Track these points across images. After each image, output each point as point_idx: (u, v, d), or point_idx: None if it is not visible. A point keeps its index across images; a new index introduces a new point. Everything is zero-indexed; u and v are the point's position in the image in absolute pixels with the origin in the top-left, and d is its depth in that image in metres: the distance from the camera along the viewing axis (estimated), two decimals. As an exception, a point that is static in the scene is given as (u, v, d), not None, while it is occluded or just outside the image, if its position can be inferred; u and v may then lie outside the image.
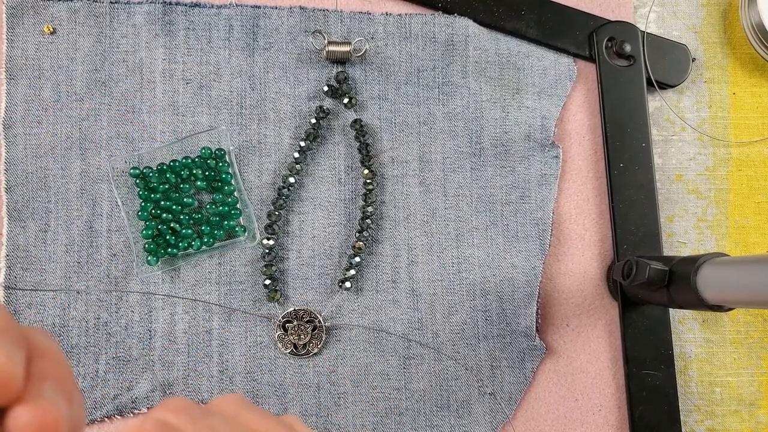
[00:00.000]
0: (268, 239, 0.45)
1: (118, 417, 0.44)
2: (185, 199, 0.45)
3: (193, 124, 0.46)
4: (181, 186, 0.45)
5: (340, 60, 0.47)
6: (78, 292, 0.45)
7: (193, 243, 0.44)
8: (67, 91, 0.46)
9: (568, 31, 0.48)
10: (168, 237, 0.44)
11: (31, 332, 0.19)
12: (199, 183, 0.45)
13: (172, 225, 0.45)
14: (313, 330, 0.45)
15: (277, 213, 0.46)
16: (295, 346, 0.45)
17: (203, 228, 0.45)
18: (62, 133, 0.46)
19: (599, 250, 0.48)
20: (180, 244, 0.44)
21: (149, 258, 0.44)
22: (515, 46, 0.49)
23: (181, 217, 0.45)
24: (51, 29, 0.46)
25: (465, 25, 0.48)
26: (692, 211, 0.49)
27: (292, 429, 0.23)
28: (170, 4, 0.47)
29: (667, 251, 0.48)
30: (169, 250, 0.44)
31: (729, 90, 0.50)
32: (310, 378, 0.45)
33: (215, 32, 0.47)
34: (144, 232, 0.44)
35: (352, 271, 0.45)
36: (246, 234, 0.46)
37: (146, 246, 0.44)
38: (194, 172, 0.45)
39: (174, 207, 0.45)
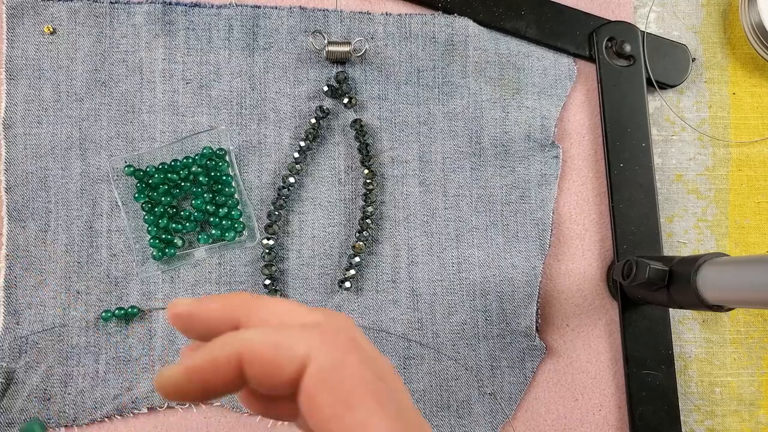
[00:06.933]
0: (268, 239, 0.45)
1: (118, 417, 0.44)
2: (194, 201, 0.45)
3: (193, 124, 0.46)
4: (182, 185, 0.45)
5: (340, 60, 0.47)
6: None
7: (199, 237, 0.45)
8: (67, 91, 0.46)
9: (568, 31, 0.48)
10: (172, 232, 0.45)
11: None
12: (200, 181, 0.45)
13: (173, 225, 0.45)
14: (313, 330, 0.45)
15: (277, 213, 0.46)
16: (295, 346, 0.45)
17: (202, 234, 0.45)
18: (62, 133, 0.46)
19: (599, 250, 0.48)
20: (183, 241, 0.45)
21: (155, 253, 0.44)
22: (515, 46, 0.49)
23: (182, 213, 0.45)
24: (51, 29, 0.46)
25: (465, 25, 0.48)
26: (692, 211, 0.49)
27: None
28: (170, 4, 0.47)
29: (667, 251, 0.48)
30: (175, 243, 0.45)
31: (729, 90, 0.50)
32: (310, 378, 0.45)
33: (215, 32, 0.47)
34: (150, 228, 0.44)
35: (352, 271, 0.45)
36: (246, 234, 0.46)
37: (152, 242, 0.44)
38: (194, 170, 0.45)
39: (176, 206, 0.45)
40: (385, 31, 0.48)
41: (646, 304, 0.45)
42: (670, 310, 0.46)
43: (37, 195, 0.45)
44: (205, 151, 0.45)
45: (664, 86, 0.49)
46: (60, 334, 0.44)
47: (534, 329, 0.46)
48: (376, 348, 0.22)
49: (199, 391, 0.20)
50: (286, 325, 0.20)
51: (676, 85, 0.49)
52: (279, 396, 0.20)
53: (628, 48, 0.47)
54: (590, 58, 0.49)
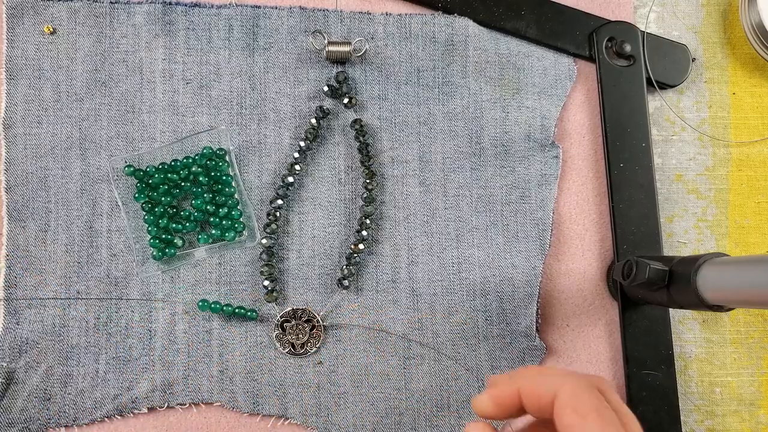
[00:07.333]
0: (268, 239, 0.45)
1: (118, 417, 0.44)
2: (194, 201, 0.45)
3: (193, 124, 0.46)
4: (182, 185, 0.45)
5: (340, 60, 0.47)
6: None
7: (199, 237, 0.45)
8: (67, 91, 0.46)
9: (568, 31, 0.48)
10: (172, 232, 0.45)
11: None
12: (200, 181, 0.45)
13: (173, 225, 0.45)
14: (311, 330, 0.45)
15: (277, 213, 0.46)
16: (293, 345, 0.45)
17: (202, 234, 0.45)
18: (62, 133, 0.46)
19: (599, 250, 0.48)
20: (183, 241, 0.45)
21: (155, 253, 0.44)
22: (515, 46, 0.49)
23: (182, 213, 0.45)
24: (51, 29, 0.46)
25: (465, 25, 0.48)
26: (692, 211, 0.49)
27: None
28: (170, 4, 0.47)
29: (667, 251, 0.48)
30: (175, 243, 0.45)
31: (729, 90, 0.50)
32: (310, 378, 0.45)
33: (215, 32, 0.47)
34: (150, 228, 0.44)
35: (352, 271, 0.45)
36: (246, 234, 0.46)
37: (152, 242, 0.44)
38: (194, 170, 0.45)
39: (176, 206, 0.45)
40: (385, 31, 0.48)
41: (646, 304, 0.45)
42: (670, 310, 0.46)
43: (37, 195, 0.45)
44: (205, 151, 0.45)
45: (664, 86, 0.49)
46: (60, 334, 0.44)
47: (534, 329, 0.46)
48: (621, 401, 0.30)
49: (498, 411, 0.30)
50: (549, 373, 0.30)
51: (676, 85, 0.49)
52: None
53: (628, 48, 0.47)
54: (590, 58, 0.49)
